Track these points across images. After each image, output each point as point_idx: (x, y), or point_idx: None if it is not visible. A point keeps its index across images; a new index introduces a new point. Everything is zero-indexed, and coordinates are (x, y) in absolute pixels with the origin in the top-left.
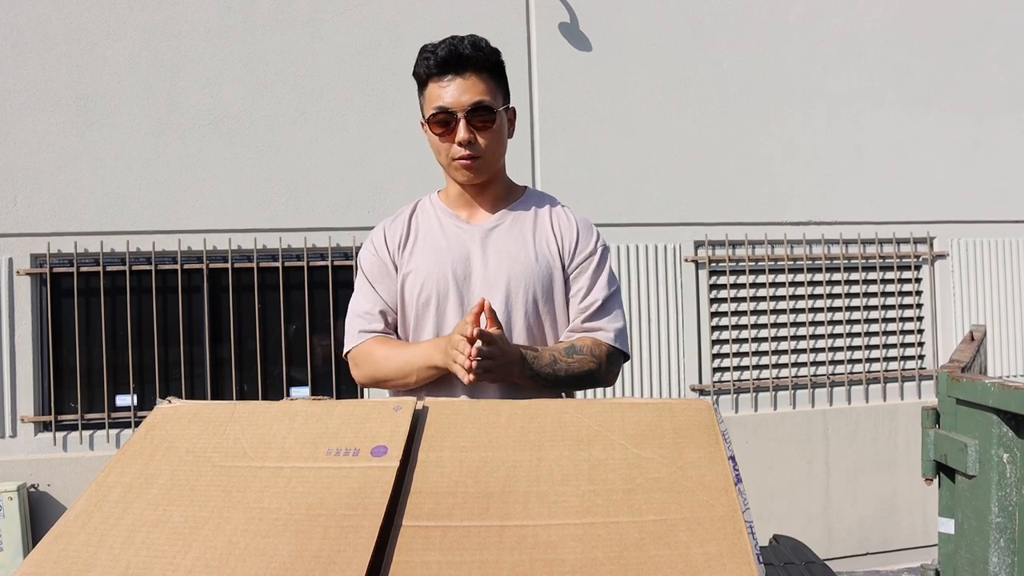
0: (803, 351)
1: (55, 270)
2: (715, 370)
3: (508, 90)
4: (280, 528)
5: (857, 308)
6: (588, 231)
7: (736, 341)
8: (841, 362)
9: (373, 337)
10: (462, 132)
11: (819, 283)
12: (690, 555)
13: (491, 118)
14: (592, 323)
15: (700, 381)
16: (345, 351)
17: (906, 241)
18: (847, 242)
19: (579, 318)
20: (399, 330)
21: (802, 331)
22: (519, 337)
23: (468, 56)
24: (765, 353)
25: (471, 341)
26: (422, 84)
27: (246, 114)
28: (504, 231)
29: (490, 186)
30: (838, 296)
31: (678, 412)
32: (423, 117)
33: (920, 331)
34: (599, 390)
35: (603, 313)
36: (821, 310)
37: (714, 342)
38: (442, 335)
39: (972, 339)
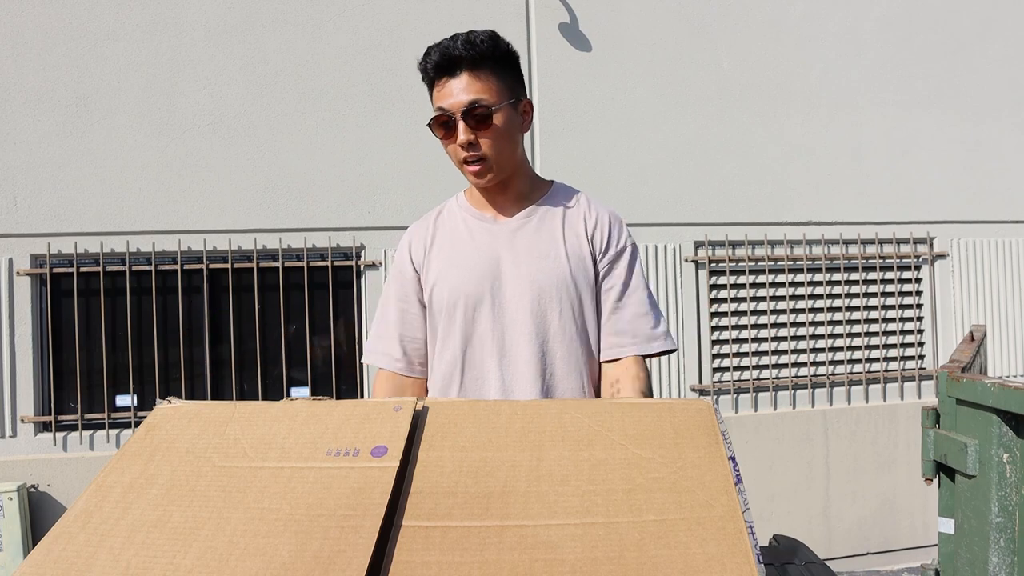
0: (803, 351)
1: (55, 270)
2: (715, 370)
3: (519, 82)
4: (280, 528)
5: (857, 308)
6: (618, 226)
7: (736, 341)
8: (841, 362)
9: (382, 372)
10: (461, 134)
11: (819, 283)
12: (690, 555)
13: (487, 117)
14: (631, 327)
15: (700, 381)
16: (364, 358)
17: (906, 241)
18: (847, 242)
19: (614, 322)
20: (427, 336)
21: (802, 331)
22: (556, 335)
23: (459, 56)
24: (765, 353)
25: None
26: (428, 88)
27: (246, 114)
28: (532, 229)
29: (511, 183)
30: (838, 296)
31: (678, 412)
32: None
33: (920, 331)
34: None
35: (646, 317)
36: (821, 310)
37: (714, 342)
38: (472, 340)
39: (972, 339)
